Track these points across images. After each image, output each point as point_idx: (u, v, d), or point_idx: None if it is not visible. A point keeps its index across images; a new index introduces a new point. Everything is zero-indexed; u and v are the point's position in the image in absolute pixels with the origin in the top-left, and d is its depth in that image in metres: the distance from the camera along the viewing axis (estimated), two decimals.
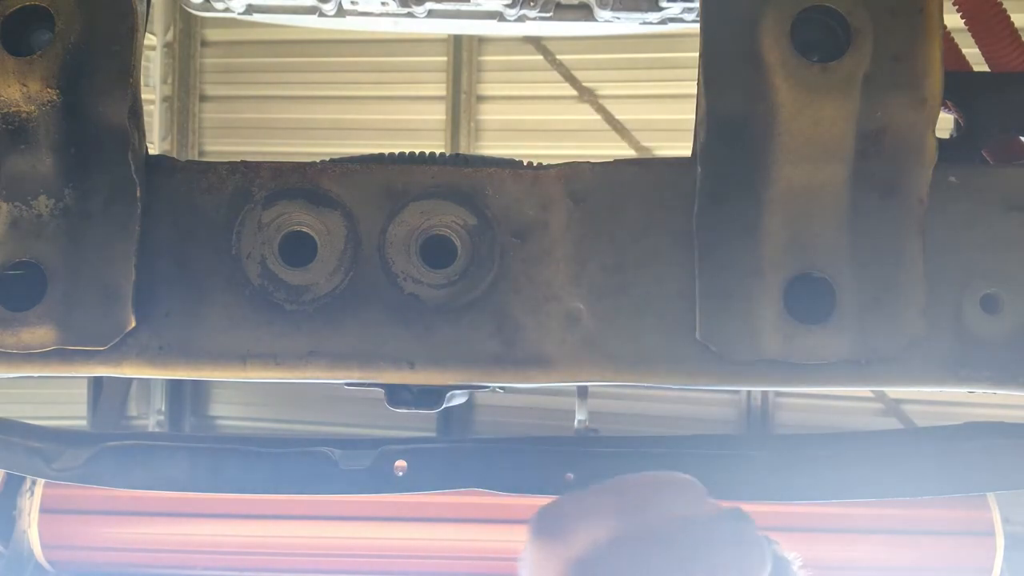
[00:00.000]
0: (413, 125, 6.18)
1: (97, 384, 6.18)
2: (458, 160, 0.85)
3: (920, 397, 5.63)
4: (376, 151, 0.88)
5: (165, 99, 6.42)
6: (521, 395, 5.39)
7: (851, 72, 0.74)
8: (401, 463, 1.02)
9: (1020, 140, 0.92)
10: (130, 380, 6.08)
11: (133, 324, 0.79)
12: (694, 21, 1.30)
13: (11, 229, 0.79)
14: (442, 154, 0.86)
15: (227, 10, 1.39)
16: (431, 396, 0.88)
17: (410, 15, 1.35)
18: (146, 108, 3.80)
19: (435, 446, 1.06)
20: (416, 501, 3.77)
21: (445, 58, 6.16)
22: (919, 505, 3.82)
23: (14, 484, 4.27)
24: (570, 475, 0.92)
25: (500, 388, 0.87)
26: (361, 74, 6.21)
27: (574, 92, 6.02)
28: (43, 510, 4.30)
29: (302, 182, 0.82)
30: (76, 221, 0.79)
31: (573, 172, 0.82)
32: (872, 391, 5.17)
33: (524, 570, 0.65)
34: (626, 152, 5.74)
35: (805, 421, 5.82)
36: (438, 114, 6.20)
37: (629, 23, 1.35)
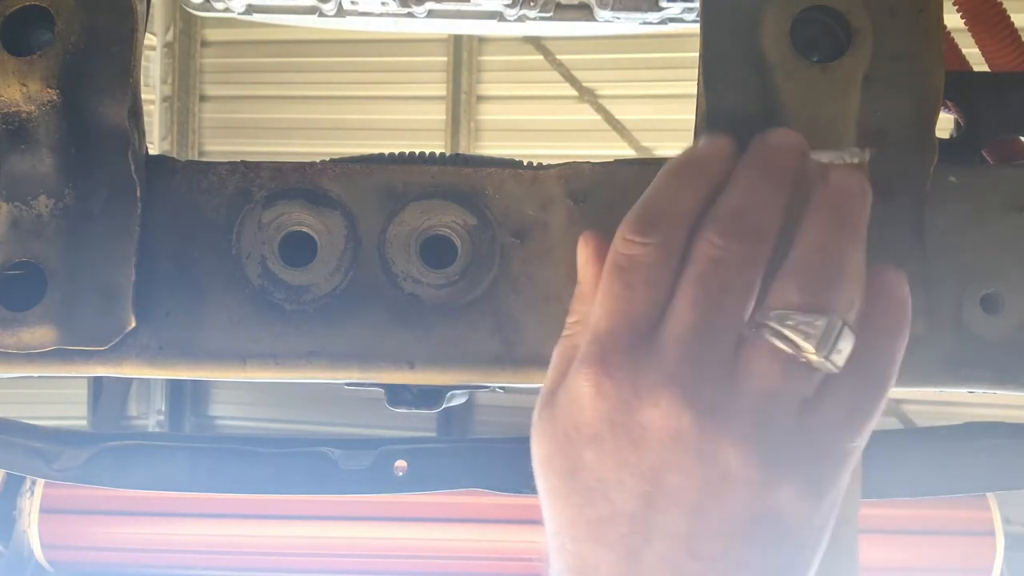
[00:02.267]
0: (413, 125, 6.18)
1: (97, 384, 6.17)
2: (458, 160, 0.85)
3: (920, 397, 5.63)
4: (376, 151, 0.88)
5: (165, 99, 6.41)
6: (521, 395, 5.39)
7: (851, 72, 0.74)
8: (401, 463, 1.02)
9: (1020, 140, 0.92)
10: (130, 380, 6.08)
11: (133, 324, 0.79)
12: (694, 21, 1.30)
13: (11, 229, 0.79)
14: (442, 154, 0.86)
15: (227, 10, 1.39)
16: (431, 396, 0.88)
17: (410, 15, 1.35)
18: (146, 108, 3.81)
19: (435, 446, 1.06)
20: (416, 501, 3.77)
21: (445, 58, 6.15)
22: (919, 505, 3.81)
23: (14, 484, 4.27)
24: None
25: (500, 388, 0.87)
26: (361, 74, 6.21)
27: (574, 92, 6.02)
28: (43, 510, 4.29)
29: (302, 182, 0.82)
30: (76, 221, 0.79)
31: (573, 172, 0.82)
32: None
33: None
34: (626, 152, 5.74)
35: None
36: (438, 114, 6.20)
37: (629, 23, 1.35)
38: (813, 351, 0.55)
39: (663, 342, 0.57)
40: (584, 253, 0.68)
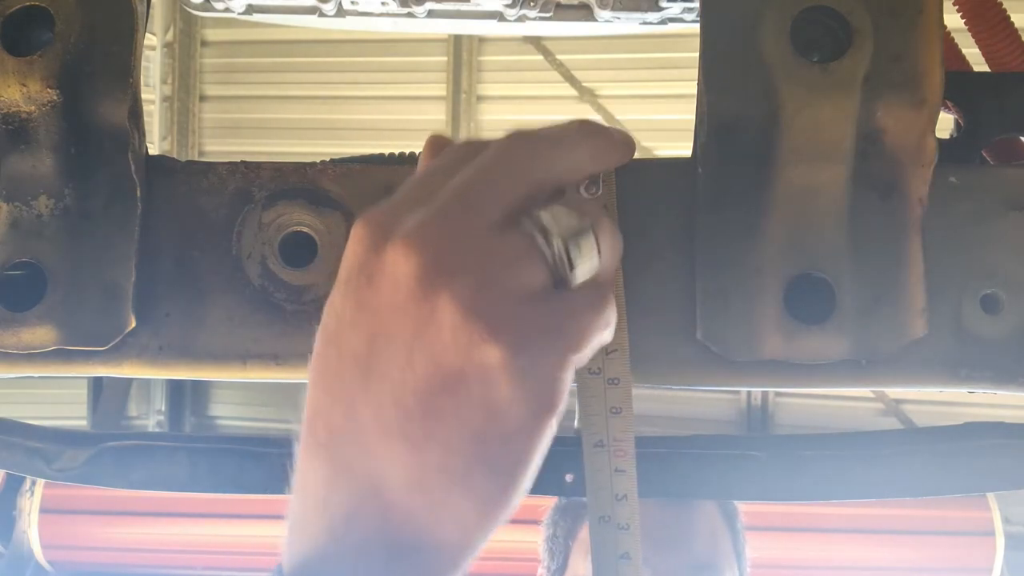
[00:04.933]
0: (413, 125, 6.18)
1: (97, 384, 6.18)
2: None
3: (920, 397, 5.63)
4: (376, 151, 0.88)
5: (165, 99, 6.42)
6: None
7: (851, 72, 0.74)
8: None
9: (1020, 140, 0.92)
10: (130, 380, 6.08)
11: (133, 324, 0.79)
12: (694, 21, 1.30)
13: (11, 229, 0.79)
14: None
15: (227, 10, 1.39)
16: None
17: (410, 15, 1.35)
18: (146, 108, 3.81)
19: None
20: None
21: (445, 58, 6.16)
22: (919, 505, 3.82)
23: (14, 484, 4.27)
24: (570, 476, 0.92)
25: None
26: (361, 74, 6.21)
27: (574, 92, 6.02)
28: (43, 510, 4.29)
29: (302, 182, 0.82)
30: (76, 221, 0.79)
31: None
32: (872, 391, 5.18)
33: None
34: None
35: (805, 421, 5.82)
36: (438, 114, 6.20)
37: (629, 23, 1.35)
38: (557, 237, 0.58)
39: (433, 200, 0.58)
40: (425, 150, 0.70)
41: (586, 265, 0.59)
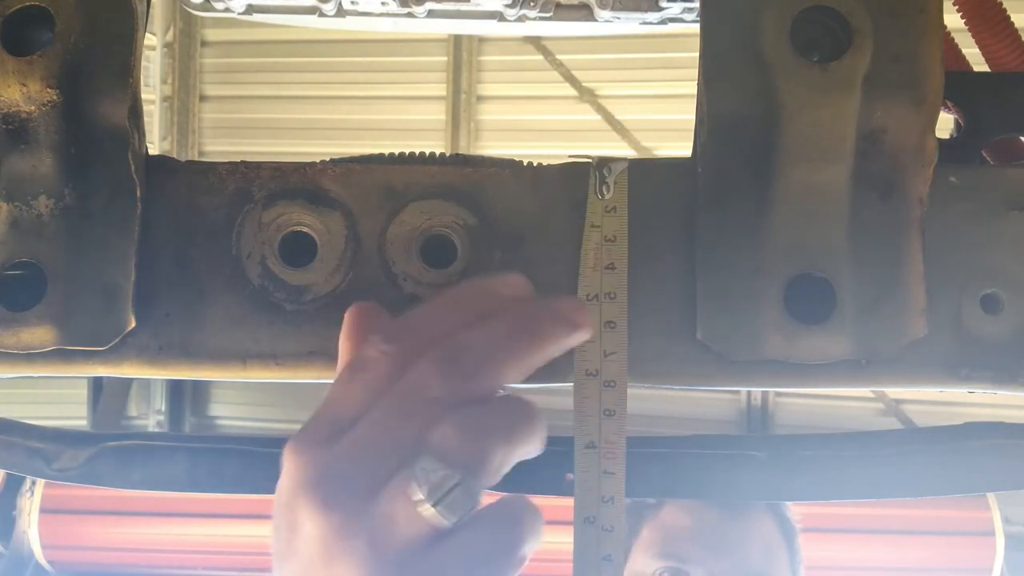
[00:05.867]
0: (413, 125, 6.18)
1: (97, 384, 6.18)
2: (458, 160, 0.85)
3: (920, 397, 5.63)
4: (376, 151, 0.88)
5: (165, 99, 6.42)
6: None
7: (851, 72, 0.74)
8: None
9: (1020, 140, 0.92)
10: (130, 380, 6.09)
11: (133, 324, 0.79)
12: (694, 21, 1.30)
13: (11, 229, 0.79)
14: (442, 154, 0.86)
15: (227, 10, 1.39)
16: None
17: (410, 15, 1.35)
18: (146, 108, 3.81)
19: None
20: None
21: (445, 58, 6.16)
22: (919, 505, 3.82)
23: (14, 484, 4.27)
24: (570, 475, 0.92)
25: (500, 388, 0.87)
26: (361, 74, 6.21)
27: (574, 92, 6.02)
28: (43, 510, 4.30)
29: (302, 182, 0.82)
30: (76, 221, 0.79)
31: (574, 172, 0.82)
32: (872, 391, 5.18)
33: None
34: (626, 152, 5.74)
35: (805, 421, 5.83)
36: (438, 114, 6.20)
37: (629, 23, 1.35)
38: (423, 497, 0.57)
39: (342, 442, 0.60)
40: (345, 325, 0.71)
41: (462, 512, 0.58)
